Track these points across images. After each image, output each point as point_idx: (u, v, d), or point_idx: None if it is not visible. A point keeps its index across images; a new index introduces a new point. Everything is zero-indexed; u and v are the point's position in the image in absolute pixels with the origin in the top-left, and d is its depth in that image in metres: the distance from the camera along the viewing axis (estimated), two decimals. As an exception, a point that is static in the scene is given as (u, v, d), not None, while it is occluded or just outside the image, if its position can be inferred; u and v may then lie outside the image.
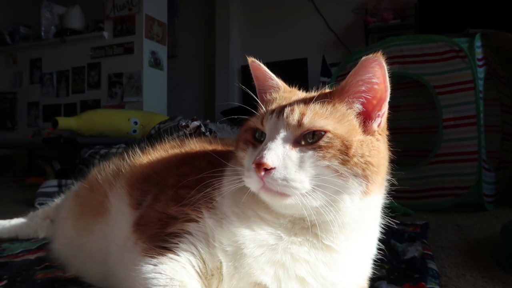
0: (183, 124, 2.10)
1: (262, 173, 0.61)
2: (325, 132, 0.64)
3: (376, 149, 0.67)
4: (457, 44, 2.08)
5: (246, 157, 0.69)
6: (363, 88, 0.67)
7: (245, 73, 4.83)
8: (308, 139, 0.64)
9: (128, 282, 0.70)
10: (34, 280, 0.99)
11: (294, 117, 0.66)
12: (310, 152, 0.63)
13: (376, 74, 0.66)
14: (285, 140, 0.65)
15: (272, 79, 0.78)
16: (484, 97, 2.10)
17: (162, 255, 0.68)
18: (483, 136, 2.02)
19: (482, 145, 2.02)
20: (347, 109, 0.68)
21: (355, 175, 0.63)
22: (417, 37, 2.36)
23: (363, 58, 0.65)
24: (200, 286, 0.68)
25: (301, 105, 0.68)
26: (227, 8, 4.92)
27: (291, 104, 0.69)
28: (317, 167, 0.62)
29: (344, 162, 0.62)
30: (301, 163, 0.62)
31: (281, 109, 0.69)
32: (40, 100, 4.90)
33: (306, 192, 0.61)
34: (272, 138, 0.65)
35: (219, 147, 0.93)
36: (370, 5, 4.03)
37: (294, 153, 0.63)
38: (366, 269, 0.78)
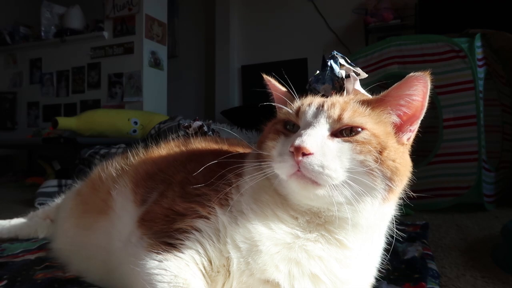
0: (186, 124, 2.10)
1: (300, 157, 0.61)
2: (363, 129, 0.66)
3: (405, 159, 0.69)
4: (457, 44, 2.08)
5: (277, 145, 0.69)
6: (403, 103, 0.70)
7: (245, 73, 4.83)
8: (344, 133, 0.66)
9: (132, 277, 0.70)
10: (34, 280, 0.99)
11: (335, 111, 0.67)
12: (348, 144, 0.64)
13: (419, 92, 0.68)
14: (324, 130, 0.66)
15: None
16: (484, 97, 2.10)
17: (167, 251, 0.68)
18: (483, 136, 2.02)
19: (482, 145, 2.02)
20: (384, 117, 0.70)
21: (384, 176, 0.64)
22: (417, 37, 2.36)
23: (411, 74, 0.67)
24: (204, 284, 0.67)
25: (341, 102, 0.69)
26: (227, 8, 4.91)
27: (330, 100, 0.70)
28: (353, 160, 0.63)
29: (377, 160, 0.63)
30: (338, 153, 0.63)
31: (321, 102, 0.70)
32: (40, 100, 4.88)
33: (336, 185, 0.62)
34: (309, 126, 0.66)
35: (225, 146, 0.92)
36: (370, 5, 4.02)
37: (332, 143, 0.64)
38: (371, 276, 0.78)
